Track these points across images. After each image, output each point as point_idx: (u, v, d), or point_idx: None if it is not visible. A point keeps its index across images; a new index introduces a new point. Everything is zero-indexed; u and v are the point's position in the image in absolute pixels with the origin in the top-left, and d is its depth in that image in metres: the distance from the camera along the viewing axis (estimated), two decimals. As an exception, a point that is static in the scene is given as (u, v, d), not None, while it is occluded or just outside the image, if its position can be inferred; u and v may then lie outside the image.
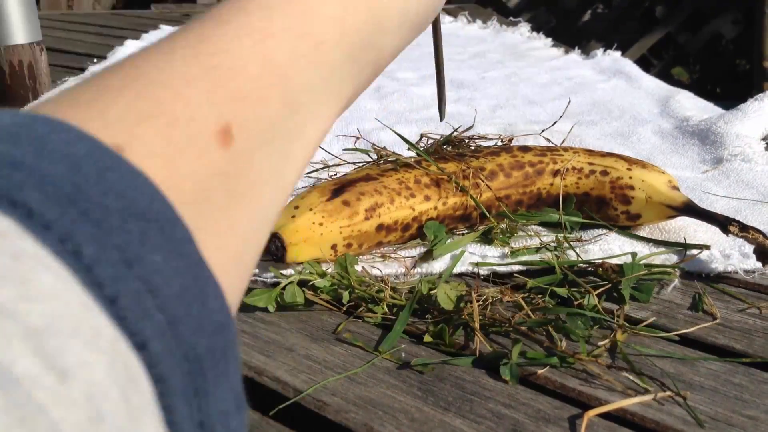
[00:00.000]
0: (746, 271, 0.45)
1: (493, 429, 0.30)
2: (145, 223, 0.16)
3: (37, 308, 0.12)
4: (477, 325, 0.37)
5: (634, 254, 0.43)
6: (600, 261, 0.43)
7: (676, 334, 0.37)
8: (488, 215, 0.47)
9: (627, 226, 0.49)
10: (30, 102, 0.84)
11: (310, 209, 0.43)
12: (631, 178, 0.49)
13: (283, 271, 0.42)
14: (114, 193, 0.15)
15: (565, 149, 0.51)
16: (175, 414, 0.15)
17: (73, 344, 0.13)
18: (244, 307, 0.41)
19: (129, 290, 0.14)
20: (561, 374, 0.34)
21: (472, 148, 0.52)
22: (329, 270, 0.41)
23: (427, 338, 0.37)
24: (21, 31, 0.82)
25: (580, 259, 0.44)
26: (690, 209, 0.47)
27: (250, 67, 0.22)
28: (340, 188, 0.45)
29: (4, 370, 0.12)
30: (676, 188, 0.49)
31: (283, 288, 0.40)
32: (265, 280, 0.43)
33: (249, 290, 0.41)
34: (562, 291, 0.40)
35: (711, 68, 2.67)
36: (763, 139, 0.70)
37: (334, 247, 0.43)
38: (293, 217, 0.43)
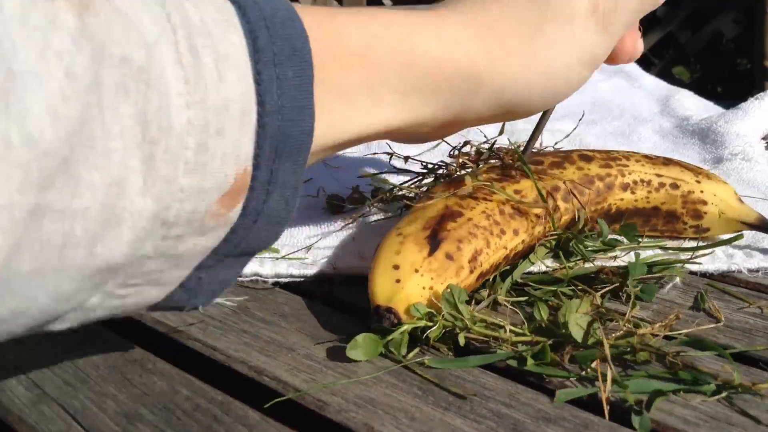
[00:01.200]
0: (750, 270, 0.45)
1: (494, 429, 0.30)
2: (298, 55, 0.25)
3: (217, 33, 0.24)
4: (608, 354, 0.33)
5: (637, 254, 0.43)
6: (601, 266, 0.43)
7: (677, 334, 0.37)
8: (578, 249, 0.44)
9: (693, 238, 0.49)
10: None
11: (416, 270, 0.38)
12: (702, 192, 0.47)
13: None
14: (288, 29, 0.25)
15: (626, 156, 0.49)
16: (261, 162, 0.25)
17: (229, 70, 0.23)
18: (245, 309, 0.41)
19: (269, 74, 0.24)
20: (564, 375, 0.34)
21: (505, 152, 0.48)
22: (440, 314, 0.37)
23: (531, 365, 0.34)
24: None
25: (582, 266, 0.44)
26: (765, 226, 0.47)
27: (353, 39, 0.30)
28: (433, 235, 0.40)
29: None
30: (740, 200, 0.48)
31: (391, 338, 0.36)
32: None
33: (290, 284, 0.41)
34: (566, 290, 0.40)
35: (712, 67, 2.67)
36: (764, 138, 0.70)
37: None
38: (398, 281, 0.37)
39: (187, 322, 0.39)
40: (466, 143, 0.51)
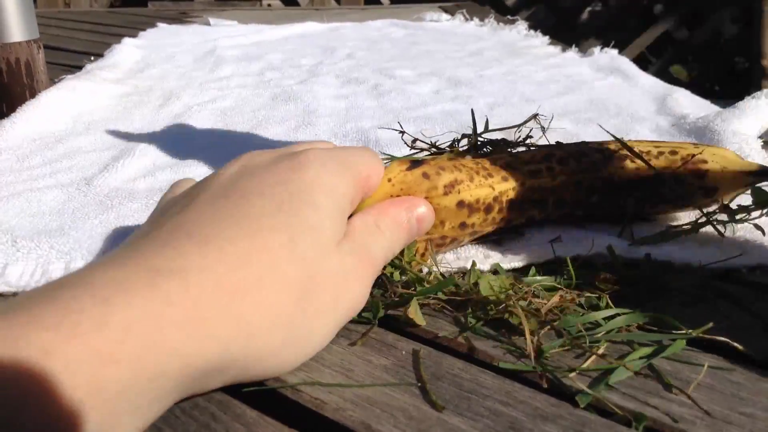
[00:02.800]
0: (748, 269, 0.45)
1: (491, 427, 0.30)
2: None
3: None
4: (526, 324, 0.36)
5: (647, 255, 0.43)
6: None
7: (675, 332, 0.37)
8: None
9: (703, 205, 0.49)
10: (27, 99, 0.84)
11: (389, 180, 0.41)
12: (701, 153, 0.48)
13: None
14: None
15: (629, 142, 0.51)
16: None
17: None
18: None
19: None
20: (560, 372, 0.34)
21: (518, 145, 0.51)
22: None
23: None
24: (18, 29, 0.82)
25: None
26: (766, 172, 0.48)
27: (78, 391, 0.23)
28: (418, 162, 0.43)
29: None
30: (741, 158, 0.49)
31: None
32: None
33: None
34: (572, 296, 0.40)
35: (710, 66, 2.67)
36: (760, 137, 0.70)
37: None
38: None
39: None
40: (464, 136, 0.52)
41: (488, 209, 0.44)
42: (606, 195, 0.48)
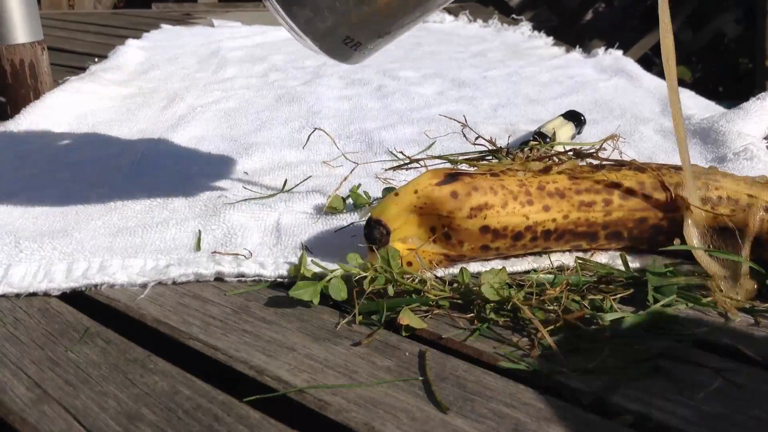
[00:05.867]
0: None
1: (495, 429, 0.30)
2: None
3: None
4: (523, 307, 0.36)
5: (654, 258, 0.43)
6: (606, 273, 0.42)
7: (680, 335, 0.37)
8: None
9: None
10: (32, 101, 0.84)
11: (415, 191, 0.41)
12: None
13: (329, 265, 0.42)
14: None
15: (724, 175, 0.44)
16: None
17: None
18: (246, 308, 0.41)
19: None
20: (564, 374, 0.34)
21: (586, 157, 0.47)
22: (376, 265, 0.40)
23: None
24: (22, 31, 0.82)
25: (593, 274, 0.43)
26: None
27: None
28: (455, 174, 0.42)
29: None
30: None
31: (328, 281, 0.40)
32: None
33: (292, 284, 0.41)
34: (578, 299, 0.40)
35: (713, 67, 2.67)
36: (765, 138, 0.70)
37: (432, 229, 0.41)
38: (396, 195, 0.41)
39: (188, 321, 0.39)
40: (526, 142, 0.49)
41: (518, 237, 0.42)
42: (675, 237, 0.43)
